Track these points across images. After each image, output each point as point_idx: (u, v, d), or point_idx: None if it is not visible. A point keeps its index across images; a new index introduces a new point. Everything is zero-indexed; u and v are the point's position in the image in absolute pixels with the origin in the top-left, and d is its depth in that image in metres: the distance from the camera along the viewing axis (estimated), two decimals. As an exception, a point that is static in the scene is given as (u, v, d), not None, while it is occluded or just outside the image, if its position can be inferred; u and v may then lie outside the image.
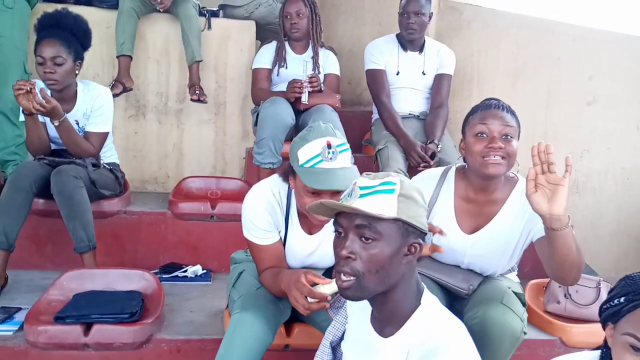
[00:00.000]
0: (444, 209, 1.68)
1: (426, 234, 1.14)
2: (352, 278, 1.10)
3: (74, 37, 2.25)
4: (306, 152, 1.48)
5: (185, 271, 2.43)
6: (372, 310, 1.20)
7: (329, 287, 1.40)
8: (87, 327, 1.74)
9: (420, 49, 2.81)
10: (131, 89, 2.99)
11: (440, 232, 1.59)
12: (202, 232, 2.55)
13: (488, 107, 1.62)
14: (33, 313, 1.78)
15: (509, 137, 1.57)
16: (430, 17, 2.77)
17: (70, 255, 2.26)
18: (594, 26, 2.95)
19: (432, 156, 2.54)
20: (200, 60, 3.01)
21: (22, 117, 2.25)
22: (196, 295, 2.25)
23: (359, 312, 1.27)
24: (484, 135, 1.58)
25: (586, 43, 2.90)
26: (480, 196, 1.66)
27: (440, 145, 2.60)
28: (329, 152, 1.46)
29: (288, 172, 1.60)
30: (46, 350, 1.72)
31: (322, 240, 1.70)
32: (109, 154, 2.50)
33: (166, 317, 1.97)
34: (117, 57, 2.95)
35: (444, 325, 1.11)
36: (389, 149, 2.55)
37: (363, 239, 1.09)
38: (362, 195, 1.09)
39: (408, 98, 2.81)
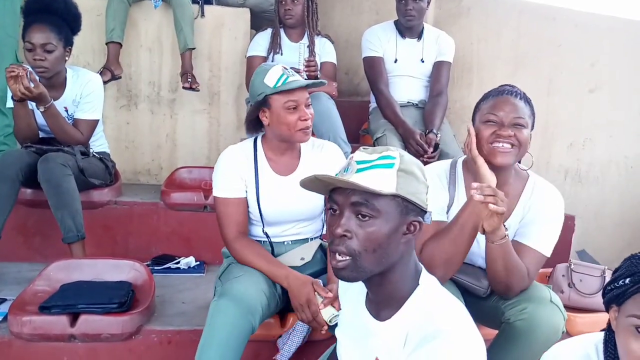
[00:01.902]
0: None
1: (426, 211, 1.07)
2: (347, 258, 1.03)
3: (64, 22, 2.18)
4: (272, 77, 1.63)
5: (178, 263, 2.36)
6: (368, 293, 1.14)
7: (327, 312, 1.53)
8: (74, 318, 1.68)
9: (419, 36, 2.74)
10: (120, 77, 2.91)
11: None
12: (195, 223, 2.48)
13: (500, 94, 1.54)
14: (18, 304, 1.71)
15: (520, 125, 1.50)
16: (428, 3, 2.71)
17: (59, 247, 2.18)
18: (596, 12, 2.88)
19: (436, 147, 2.48)
20: (193, 48, 2.94)
21: (10, 104, 2.18)
22: (189, 287, 2.19)
23: (353, 296, 1.20)
24: (494, 123, 1.50)
25: (588, 29, 2.83)
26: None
27: (439, 135, 2.53)
28: (288, 71, 1.65)
29: (254, 116, 1.71)
30: (31, 341, 1.65)
31: (296, 182, 1.66)
32: (98, 143, 2.43)
33: (157, 308, 1.90)
34: (107, 43, 2.87)
35: (444, 307, 1.04)
36: (387, 137, 2.49)
37: (359, 216, 1.02)
38: (359, 170, 1.02)
39: (406, 86, 2.75)
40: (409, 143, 2.48)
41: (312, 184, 1.07)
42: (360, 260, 1.03)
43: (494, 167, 1.52)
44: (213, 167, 2.84)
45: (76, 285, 1.82)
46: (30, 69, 2.13)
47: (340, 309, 1.51)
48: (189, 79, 2.86)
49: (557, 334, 1.51)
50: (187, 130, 3.09)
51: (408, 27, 2.70)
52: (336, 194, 1.05)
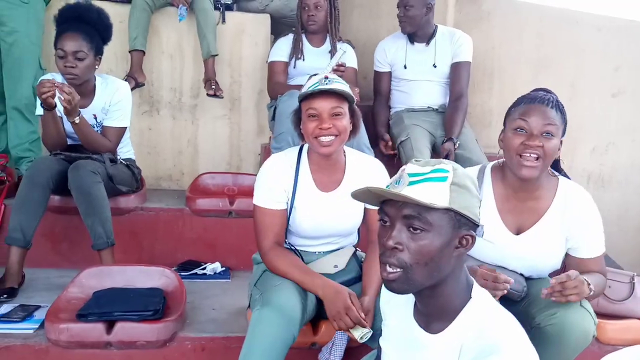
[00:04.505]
0: (487, 211, 1.57)
1: (478, 225, 1.07)
2: (398, 270, 1.03)
3: (96, 31, 2.21)
4: (307, 84, 1.64)
5: (204, 269, 2.37)
6: (416, 305, 1.14)
7: (358, 331, 1.53)
8: (110, 325, 1.69)
9: (428, 41, 2.75)
10: (143, 84, 2.94)
11: None
12: (220, 228, 2.49)
13: (532, 101, 1.53)
14: (53, 311, 1.73)
15: (549, 134, 1.49)
16: (429, 9, 2.70)
17: (87, 253, 2.21)
18: (619, 16, 2.87)
19: (447, 156, 2.48)
20: (216, 55, 2.96)
21: (39, 111, 2.20)
22: (217, 293, 2.20)
23: (399, 306, 1.20)
24: (524, 131, 1.50)
25: (611, 33, 2.83)
26: (521, 194, 1.58)
27: (458, 142, 2.53)
28: (325, 81, 1.61)
29: (298, 122, 1.70)
30: (68, 348, 1.67)
31: (338, 199, 1.70)
32: (125, 150, 2.45)
33: (188, 315, 1.91)
34: (130, 51, 2.90)
35: (499, 321, 1.04)
36: (413, 141, 2.49)
37: (411, 229, 1.02)
38: (411, 183, 1.02)
39: (422, 91, 2.76)
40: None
41: (364, 194, 1.07)
42: (411, 273, 1.03)
43: (520, 179, 1.53)
44: (236, 173, 2.93)
45: (110, 292, 1.83)
46: (61, 78, 2.16)
47: (370, 327, 1.53)
48: (213, 86, 2.88)
49: (587, 339, 1.52)
50: (208, 136, 3.11)
51: (404, 33, 2.74)
52: (387, 206, 1.05)
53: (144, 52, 2.92)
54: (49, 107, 2.06)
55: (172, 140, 3.08)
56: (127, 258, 2.30)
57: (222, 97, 2.93)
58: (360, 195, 1.08)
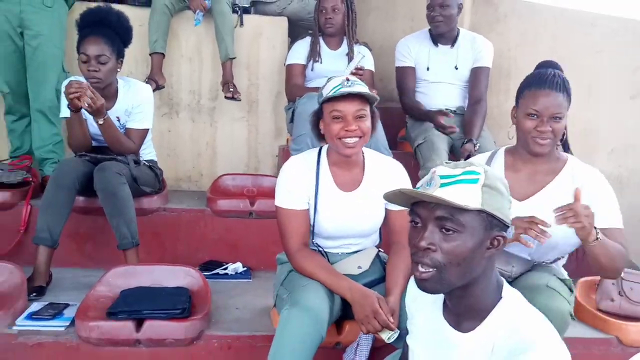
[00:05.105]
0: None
1: (509, 226, 1.09)
2: (431, 270, 1.06)
3: (117, 34, 2.25)
4: (330, 85, 1.65)
5: (226, 269, 2.40)
6: (446, 304, 1.16)
7: (385, 333, 1.56)
8: (139, 323, 1.72)
9: (453, 43, 2.76)
10: (163, 87, 2.98)
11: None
12: (241, 229, 2.52)
13: (542, 85, 1.63)
14: (83, 309, 1.77)
15: (558, 118, 1.62)
16: (460, 9, 2.72)
17: (111, 253, 2.25)
18: (636, 17, 2.87)
19: (467, 157, 2.49)
20: (234, 58, 2.99)
21: (64, 113, 2.25)
22: (239, 293, 2.22)
23: (426, 305, 1.22)
24: (535, 116, 1.62)
25: (629, 35, 2.82)
26: (529, 166, 1.70)
27: (478, 144, 2.55)
28: (347, 83, 1.63)
29: (315, 124, 1.73)
30: (98, 346, 1.70)
31: (358, 199, 1.73)
32: (147, 151, 2.49)
33: (213, 314, 1.94)
34: (150, 54, 2.94)
35: (531, 320, 1.06)
36: (430, 143, 2.50)
37: (444, 230, 1.04)
38: (443, 185, 1.05)
39: (442, 93, 2.77)
40: (438, 127, 2.56)
41: (395, 196, 1.10)
42: (444, 273, 1.05)
43: (532, 154, 1.66)
44: (255, 174, 2.96)
45: (137, 291, 1.86)
46: (86, 81, 2.20)
47: (396, 327, 1.55)
48: (231, 89, 2.92)
49: (562, 319, 1.53)
50: (227, 138, 3.15)
51: (437, 34, 2.73)
52: (419, 208, 1.08)
53: (163, 55, 2.97)
54: (75, 108, 2.10)
55: (191, 142, 3.12)
56: (150, 258, 2.34)
57: (240, 100, 2.97)
58: (392, 196, 1.10)
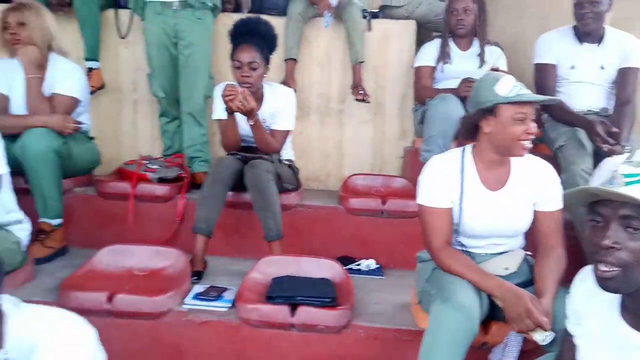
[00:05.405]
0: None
1: None
2: (616, 269, 1.05)
3: (266, 42, 2.43)
4: (504, 86, 1.64)
5: (359, 264, 2.49)
6: (624, 305, 1.13)
7: (539, 334, 1.54)
8: (292, 308, 1.85)
9: (599, 41, 2.63)
10: (295, 91, 3.15)
11: None
12: (372, 227, 2.60)
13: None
14: (241, 293, 1.94)
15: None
16: (609, 6, 2.58)
17: (254, 244, 2.45)
18: None
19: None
20: (363, 61, 3.09)
21: (218, 115, 2.47)
22: (374, 289, 2.29)
23: (601, 306, 1.20)
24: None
25: None
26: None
27: (629, 147, 2.39)
28: (517, 83, 1.66)
29: (475, 122, 1.72)
30: (257, 327, 1.86)
31: (505, 198, 1.74)
32: (286, 151, 2.65)
33: (355, 306, 2.03)
34: (285, 60, 3.13)
35: None
36: (574, 145, 2.41)
37: (630, 229, 1.04)
38: (627, 183, 1.04)
39: (585, 93, 2.64)
40: (593, 137, 2.39)
41: (580, 194, 1.10)
42: (630, 272, 1.04)
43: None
44: (384, 175, 3.03)
45: (287, 279, 2.01)
46: (239, 86, 2.41)
47: (550, 328, 1.53)
48: (361, 91, 3.02)
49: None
50: (353, 139, 3.25)
51: (585, 32, 2.60)
52: (601, 206, 1.08)
53: (296, 61, 3.14)
54: (230, 110, 2.31)
55: (319, 143, 3.26)
56: (288, 250, 2.48)
57: (369, 102, 3.06)
58: (577, 194, 1.11)
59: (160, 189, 2.65)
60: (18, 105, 2.44)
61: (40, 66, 2.45)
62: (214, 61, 3.00)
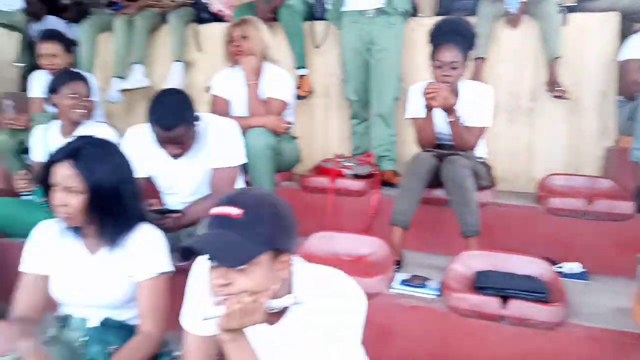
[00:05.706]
0: None
1: None
2: None
3: (466, 42, 2.47)
4: None
5: (561, 267, 2.38)
6: None
7: None
8: (503, 301, 1.85)
9: None
10: None
11: None
12: (574, 229, 2.47)
13: None
14: (447, 282, 1.99)
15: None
16: None
17: (446, 241, 2.47)
18: None
19: None
20: (559, 57, 2.95)
21: (413, 114, 2.57)
22: (582, 291, 2.17)
23: None
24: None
25: None
26: None
27: None
28: None
29: None
30: (465, 317, 1.90)
31: None
32: (480, 147, 2.64)
33: (568, 305, 1.95)
34: (474, 59, 3.12)
35: None
36: None
37: None
38: None
39: None
40: None
41: None
42: None
43: None
44: (584, 176, 2.85)
45: (492, 273, 2.01)
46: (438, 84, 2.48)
47: None
48: (558, 88, 2.89)
49: None
50: (545, 138, 3.11)
51: None
52: None
53: (484, 59, 3.12)
54: (431, 107, 2.39)
55: (507, 143, 3.18)
56: (482, 248, 2.48)
57: (568, 98, 2.91)
58: None
59: (356, 184, 2.84)
60: (240, 108, 2.81)
61: (257, 73, 2.79)
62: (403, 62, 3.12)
